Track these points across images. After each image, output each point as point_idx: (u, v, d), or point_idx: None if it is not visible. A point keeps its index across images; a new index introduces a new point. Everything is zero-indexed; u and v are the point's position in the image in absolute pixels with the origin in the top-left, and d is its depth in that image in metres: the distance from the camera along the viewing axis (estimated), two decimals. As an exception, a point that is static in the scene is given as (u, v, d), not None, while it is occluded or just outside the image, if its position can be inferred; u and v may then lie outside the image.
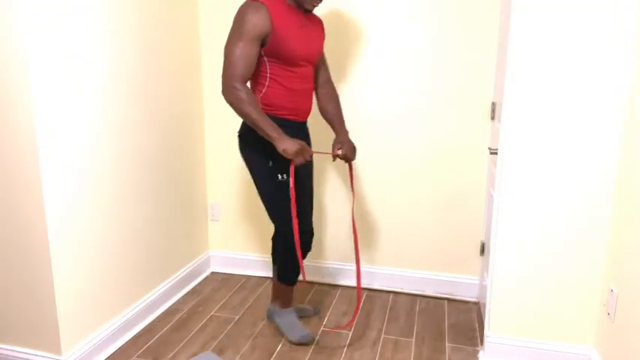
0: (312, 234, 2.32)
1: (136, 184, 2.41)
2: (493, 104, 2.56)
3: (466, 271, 2.80)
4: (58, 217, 1.95)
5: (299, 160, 2.01)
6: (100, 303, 2.22)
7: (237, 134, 2.23)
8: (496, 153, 2.14)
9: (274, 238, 2.48)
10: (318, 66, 2.29)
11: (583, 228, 1.98)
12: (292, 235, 2.14)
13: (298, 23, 2.07)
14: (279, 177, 2.12)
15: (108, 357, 2.24)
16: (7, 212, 1.95)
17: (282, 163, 2.09)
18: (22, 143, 1.86)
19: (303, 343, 2.33)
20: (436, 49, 2.61)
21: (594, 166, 1.93)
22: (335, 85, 2.46)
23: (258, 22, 1.95)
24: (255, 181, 2.23)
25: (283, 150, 1.97)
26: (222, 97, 2.89)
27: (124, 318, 2.36)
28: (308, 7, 2.08)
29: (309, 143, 2.32)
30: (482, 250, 2.72)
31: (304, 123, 2.28)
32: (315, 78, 2.31)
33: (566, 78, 1.89)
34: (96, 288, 2.19)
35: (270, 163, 2.11)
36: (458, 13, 2.55)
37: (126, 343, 2.35)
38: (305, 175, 2.28)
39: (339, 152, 2.23)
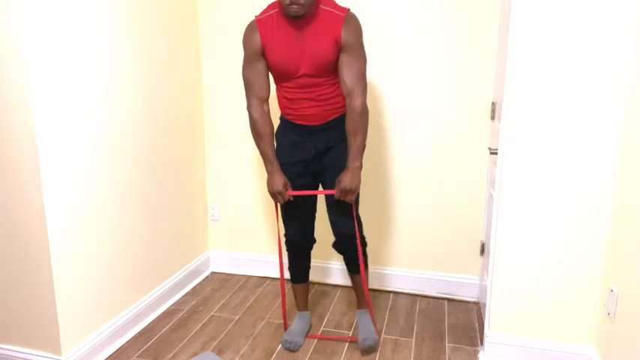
0: (343, 237, 2.31)
1: (135, 184, 2.41)
2: (493, 104, 2.56)
3: (466, 271, 2.80)
4: (57, 218, 1.95)
5: (274, 200, 2.19)
6: (100, 303, 2.22)
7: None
8: (496, 153, 2.14)
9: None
10: (341, 81, 2.09)
11: (583, 227, 1.97)
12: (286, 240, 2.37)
13: (293, 37, 2.02)
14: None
15: (108, 357, 2.24)
16: (7, 212, 1.95)
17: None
18: (22, 142, 1.86)
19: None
20: (436, 49, 2.61)
21: (595, 165, 1.92)
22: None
23: (252, 41, 2.07)
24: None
25: (267, 185, 2.18)
26: (222, 98, 2.96)
27: (124, 318, 2.36)
28: (288, 13, 1.97)
29: (323, 148, 2.20)
30: (483, 250, 2.72)
31: (321, 126, 2.17)
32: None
33: (567, 78, 1.89)
34: (96, 288, 2.19)
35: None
36: (458, 13, 2.55)
37: (126, 343, 2.35)
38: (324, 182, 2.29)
39: (334, 192, 2.14)
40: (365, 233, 2.89)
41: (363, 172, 2.81)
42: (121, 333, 2.34)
